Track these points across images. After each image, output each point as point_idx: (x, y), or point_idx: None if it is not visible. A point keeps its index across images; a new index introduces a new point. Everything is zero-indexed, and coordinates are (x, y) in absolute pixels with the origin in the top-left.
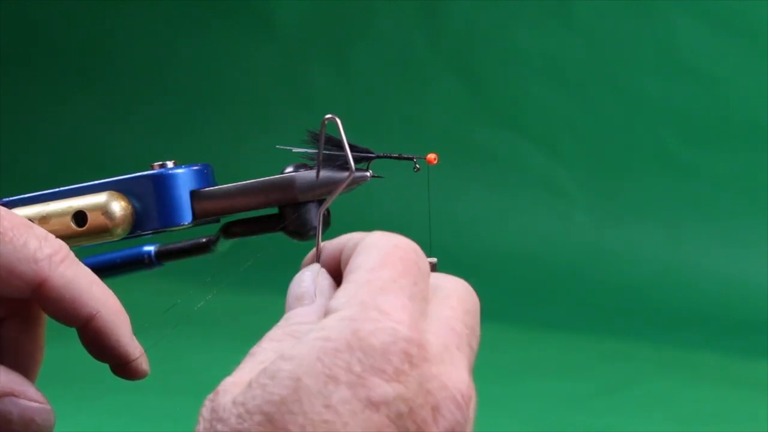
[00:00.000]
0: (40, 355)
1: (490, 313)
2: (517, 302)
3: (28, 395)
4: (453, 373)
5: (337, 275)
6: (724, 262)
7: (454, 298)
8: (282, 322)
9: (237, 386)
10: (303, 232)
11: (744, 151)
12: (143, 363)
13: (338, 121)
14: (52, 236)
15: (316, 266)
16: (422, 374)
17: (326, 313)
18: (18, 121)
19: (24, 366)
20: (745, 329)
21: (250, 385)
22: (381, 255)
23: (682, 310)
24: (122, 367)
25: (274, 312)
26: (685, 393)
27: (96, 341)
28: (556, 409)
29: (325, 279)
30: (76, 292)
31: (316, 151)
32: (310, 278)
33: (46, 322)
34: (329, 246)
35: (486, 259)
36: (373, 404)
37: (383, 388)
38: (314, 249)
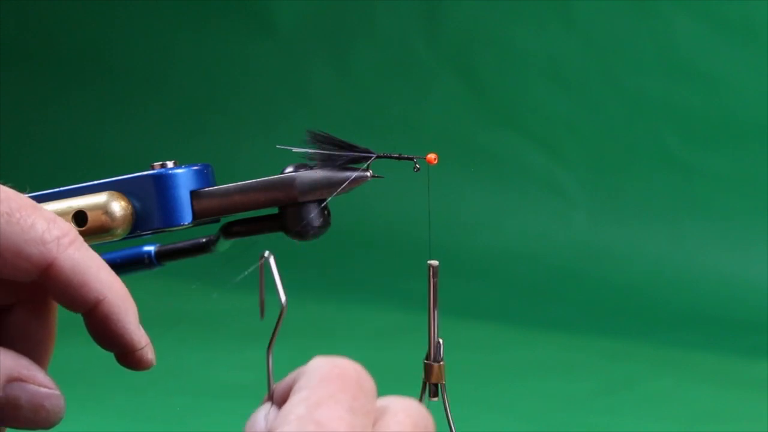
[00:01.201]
0: (52, 342)
1: (490, 313)
2: (517, 302)
3: (37, 380)
4: None
5: None
6: (724, 262)
7: (402, 414)
8: None
9: None
10: (303, 232)
11: (744, 151)
12: (149, 352)
13: (272, 260)
14: (60, 219)
15: (267, 405)
16: None
17: None
18: (18, 121)
19: (34, 353)
20: (745, 329)
21: None
22: (319, 374)
23: (682, 310)
24: (127, 356)
25: (274, 312)
26: (685, 393)
27: (102, 327)
28: (556, 409)
29: (276, 415)
30: (83, 276)
31: (316, 151)
32: (262, 417)
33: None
34: (282, 384)
35: (486, 259)
36: None
37: None
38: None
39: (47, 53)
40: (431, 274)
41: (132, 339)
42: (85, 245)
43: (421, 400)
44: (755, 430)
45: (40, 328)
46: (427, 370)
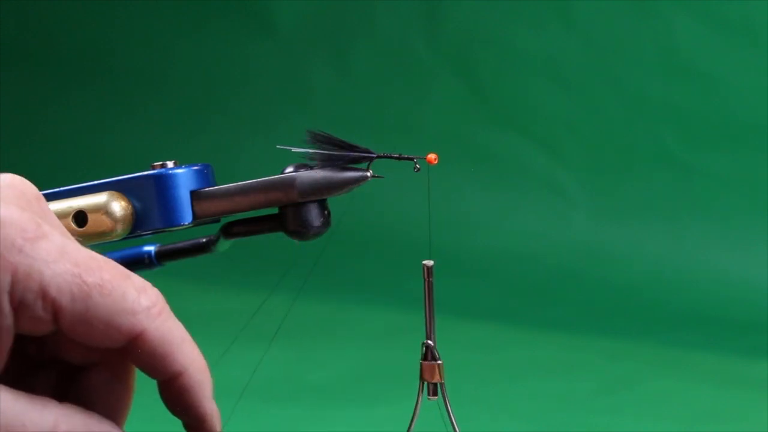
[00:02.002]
0: (130, 399)
1: (490, 313)
2: (517, 302)
3: None
4: None
5: None
6: (724, 262)
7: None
8: None
9: None
10: (303, 232)
11: (744, 151)
12: (217, 424)
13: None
14: (149, 285)
15: None
16: None
17: None
18: (18, 121)
19: (112, 413)
20: (745, 329)
21: None
22: None
23: (682, 310)
24: (196, 427)
25: (273, 312)
26: (685, 393)
27: (177, 398)
28: (556, 409)
29: None
30: (168, 348)
31: (316, 151)
32: None
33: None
34: None
35: (486, 259)
36: None
37: None
38: None
39: (47, 53)
40: (426, 274)
41: (205, 412)
42: (172, 315)
43: (419, 399)
44: (755, 430)
45: (120, 389)
46: (424, 369)
